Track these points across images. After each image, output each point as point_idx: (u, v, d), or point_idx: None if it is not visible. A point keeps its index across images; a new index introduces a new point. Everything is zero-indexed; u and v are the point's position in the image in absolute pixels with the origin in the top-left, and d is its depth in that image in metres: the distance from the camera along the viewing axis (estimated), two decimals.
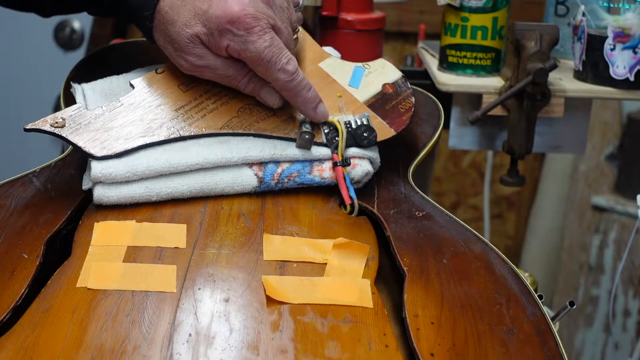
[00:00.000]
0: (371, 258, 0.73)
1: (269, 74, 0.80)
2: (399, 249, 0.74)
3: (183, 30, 0.80)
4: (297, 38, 0.89)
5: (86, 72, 0.95)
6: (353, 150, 0.83)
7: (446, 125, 1.11)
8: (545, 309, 0.69)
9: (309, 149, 0.82)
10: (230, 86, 0.84)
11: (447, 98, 1.10)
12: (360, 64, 0.91)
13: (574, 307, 0.78)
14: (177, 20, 0.80)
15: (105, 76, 0.90)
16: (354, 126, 0.84)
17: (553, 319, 0.77)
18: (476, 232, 0.78)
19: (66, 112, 0.80)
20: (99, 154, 0.77)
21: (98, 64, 1.01)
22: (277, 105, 0.83)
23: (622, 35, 1.02)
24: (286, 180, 0.82)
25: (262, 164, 0.81)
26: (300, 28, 0.92)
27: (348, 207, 0.81)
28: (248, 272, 0.69)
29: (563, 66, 1.11)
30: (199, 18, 0.79)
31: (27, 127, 0.78)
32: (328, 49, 0.94)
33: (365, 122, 0.85)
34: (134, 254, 0.71)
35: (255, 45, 0.78)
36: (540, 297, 0.75)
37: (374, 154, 0.84)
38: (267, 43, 0.78)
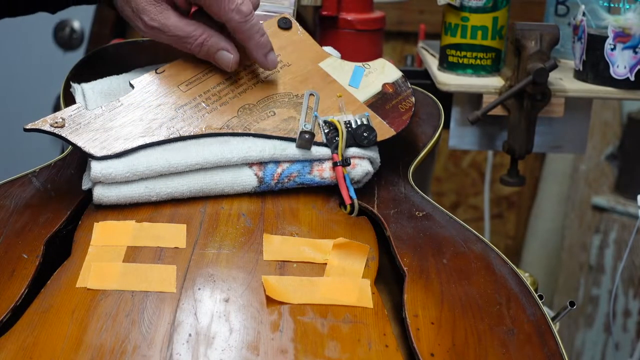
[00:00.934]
0: (371, 258, 0.73)
1: (223, 14, 0.81)
2: (399, 249, 0.74)
3: None
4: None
5: (86, 72, 0.95)
6: (353, 150, 0.83)
7: (446, 125, 1.11)
8: (545, 309, 0.69)
9: (309, 149, 0.82)
10: (184, 50, 0.85)
11: (447, 98, 1.10)
12: (360, 64, 0.91)
13: (574, 307, 0.78)
14: None
15: (105, 76, 0.90)
16: (354, 126, 0.84)
17: (553, 319, 0.77)
18: (476, 232, 0.78)
19: (66, 112, 0.80)
20: (98, 154, 0.77)
21: (98, 64, 1.01)
22: (231, 69, 0.84)
23: (622, 35, 1.01)
24: (286, 180, 0.81)
25: (262, 164, 0.81)
26: (301, 28, 0.92)
27: (348, 207, 0.81)
28: (248, 272, 0.69)
29: (563, 66, 1.11)
30: None
31: (27, 127, 0.78)
32: (328, 49, 0.94)
33: (365, 122, 0.84)
34: (133, 254, 0.71)
35: None
36: (541, 297, 0.74)
37: (374, 154, 0.84)
38: None
